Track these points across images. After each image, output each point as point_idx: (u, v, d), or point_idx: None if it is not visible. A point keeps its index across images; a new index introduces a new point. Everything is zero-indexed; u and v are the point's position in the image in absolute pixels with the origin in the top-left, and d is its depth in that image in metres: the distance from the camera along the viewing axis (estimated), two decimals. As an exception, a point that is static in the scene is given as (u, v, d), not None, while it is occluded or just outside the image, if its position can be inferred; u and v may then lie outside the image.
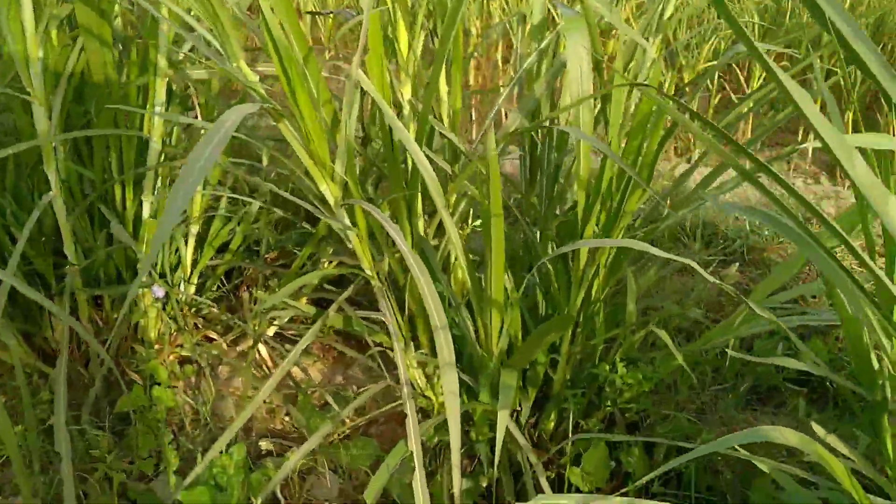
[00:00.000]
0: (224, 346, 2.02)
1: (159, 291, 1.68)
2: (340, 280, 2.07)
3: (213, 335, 2.05)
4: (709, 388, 1.92)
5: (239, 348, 2.04)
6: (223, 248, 2.12)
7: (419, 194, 1.51)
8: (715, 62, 3.80)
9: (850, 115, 3.51)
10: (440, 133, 1.51)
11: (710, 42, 3.85)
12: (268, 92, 1.31)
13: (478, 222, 1.51)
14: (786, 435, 0.83)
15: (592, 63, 1.44)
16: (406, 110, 1.50)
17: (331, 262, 1.92)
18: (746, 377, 1.96)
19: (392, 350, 1.61)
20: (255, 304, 2.07)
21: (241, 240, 2.08)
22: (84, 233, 1.85)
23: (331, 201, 1.33)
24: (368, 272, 1.44)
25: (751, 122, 3.83)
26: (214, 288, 2.15)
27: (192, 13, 1.41)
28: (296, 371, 2.05)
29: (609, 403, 1.67)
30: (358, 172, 1.73)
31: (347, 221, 1.37)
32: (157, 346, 1.99)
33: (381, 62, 1.35)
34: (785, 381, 1.94)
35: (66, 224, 1.74)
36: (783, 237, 2.80)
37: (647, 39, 1.67)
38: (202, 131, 1.89)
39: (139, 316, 1.93)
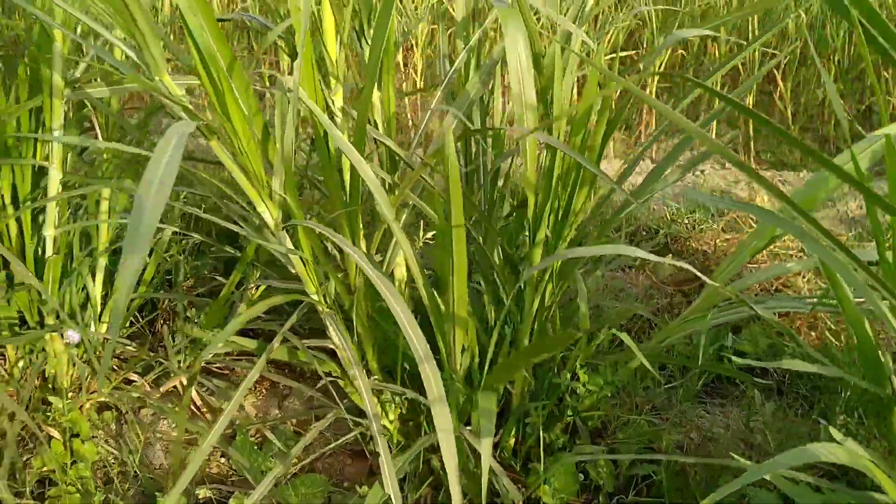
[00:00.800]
0: (147, 387, 1.85)
1: (74, 336, 1.51)
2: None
3: (133, 376, 1.88)
4: (662, 385, 1.88)
5: (163, 388, 1.88)
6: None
7: (359, 209, 1.40)
8: (613, 54, 3.83)
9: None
10: (376, 140, 1.41)
11: (608, 34, 3.87)
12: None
13: (429, 235, 1.42)
14: (835, 452, 0.76)
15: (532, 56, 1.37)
16: (339, 118, 1.38)
17: (258, 286, 1.78)
18: (691, 371, 1.93)
19: (341, 379, 1.50)
20: (176, 340, 1.92)
21: (155, 269, 1.92)
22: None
23: (270, 223, 1.21)
24: (314, 297, 1.32)
25: (654, 113, 3.86)
26: (127, 324, 1.98)
27: (95, 18, 1.27)
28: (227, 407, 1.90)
29: (570, 412, 1.61)
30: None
31: (289, 244, 1.25)
32: (71, 395, 1.81)
33: (312, 67, 1.23)
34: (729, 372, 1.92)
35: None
36: (702, 225, 2.81)
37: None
38: (105, 155, 1.73)
39: (52, 364, 1.75)
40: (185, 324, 1.87)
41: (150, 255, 1.91)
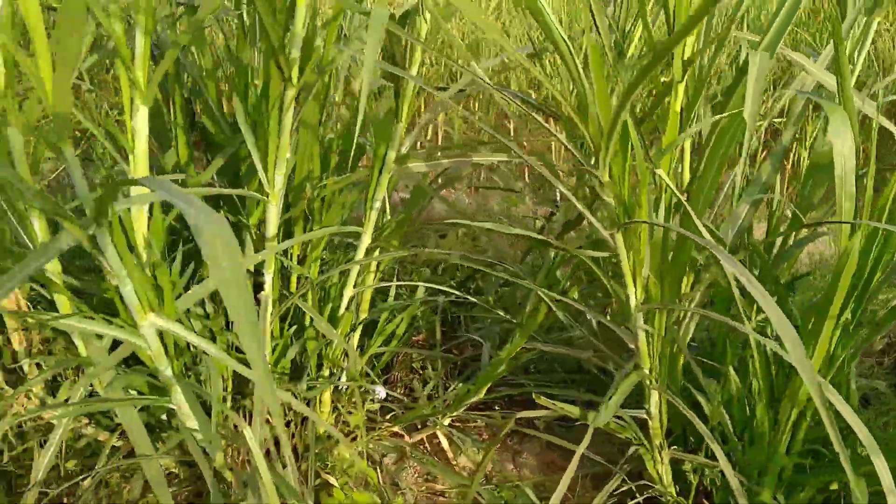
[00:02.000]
0: (406, 437, 1.94)
1: (382, 392, 1.61)
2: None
3: (391, 427, 1.97)
4: None
5: (414, 438, 1.96)
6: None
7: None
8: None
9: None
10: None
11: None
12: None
13: (761, 317, 1.50)
14: None
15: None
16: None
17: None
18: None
19: (641, 446, 1.57)
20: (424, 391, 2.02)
21: (407, 326, 2.02)
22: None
23: (632, 304, 1.30)
24: (645, 371, 1.41)
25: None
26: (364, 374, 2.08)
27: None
28: (463, 460, 1.98)
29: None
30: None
31: (641, 320, 1.34)
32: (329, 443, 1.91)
33: (672, 156, 1.34)
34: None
35: (268, 328, 1.66)
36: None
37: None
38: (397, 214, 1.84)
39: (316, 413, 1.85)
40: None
41: (404, 311, 2.01)
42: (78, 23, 0.76)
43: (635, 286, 1.27)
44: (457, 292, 1.86)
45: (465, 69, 1.24)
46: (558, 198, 3.16)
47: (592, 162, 1.15)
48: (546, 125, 1.13)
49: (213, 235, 0.62)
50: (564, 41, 1.01)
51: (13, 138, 1.36)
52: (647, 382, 1.42)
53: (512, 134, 3.81)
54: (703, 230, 1.30)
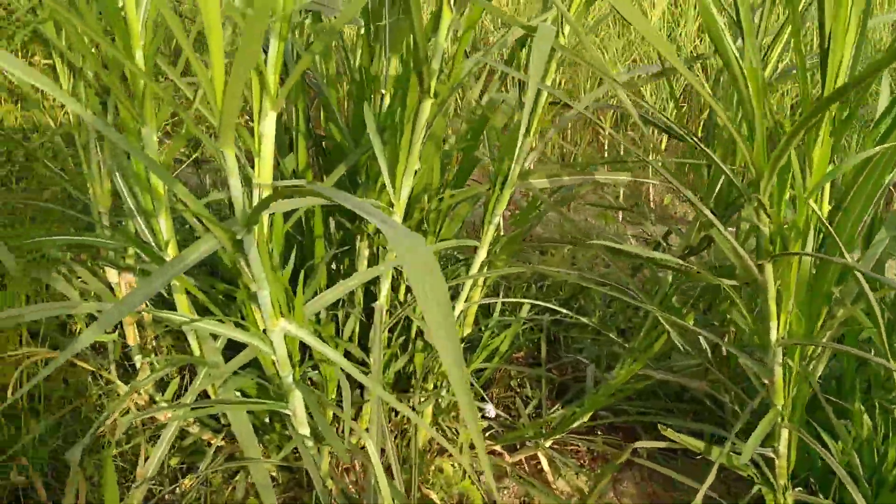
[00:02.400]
0: (506, 456, 1.91)
1: (491, 410, 1.59)
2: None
3: (492, 445, 1.94)
4: None
5: (514, 458, 1.93)
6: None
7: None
8: None
9: None
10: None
11: None
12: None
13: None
14: None
15: None
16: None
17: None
18: None
19: (768, 488, 1.51)
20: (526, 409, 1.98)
21: (511, 343, 1.99)
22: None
23: (773, 338, 1.24)
24: (778, 407, 1.35)
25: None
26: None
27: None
28: (562, 484, 1.94)
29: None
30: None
31: (780, 357, 1.28)
32: (427, 457, 1.89)
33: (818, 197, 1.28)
34: None
35: (380, 338, 1.65)
36: None
37: None
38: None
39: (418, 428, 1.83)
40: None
41: (507, 328, 1.98)
42: (261, 31, 0.75)
43: (778, 320, 1.22)
44: (564, 310, 1.82)
45: (609, 78, 1.20)
46: (652, 218, 3.11)
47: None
48: (704, 149, 1.09)
49: (415, 254, 0.60)
50: (738, 62, 0.97)
51: (147, 138, 1.38)
52: (779, 420, 1.36)
53: (606, 154, 3.76)
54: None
